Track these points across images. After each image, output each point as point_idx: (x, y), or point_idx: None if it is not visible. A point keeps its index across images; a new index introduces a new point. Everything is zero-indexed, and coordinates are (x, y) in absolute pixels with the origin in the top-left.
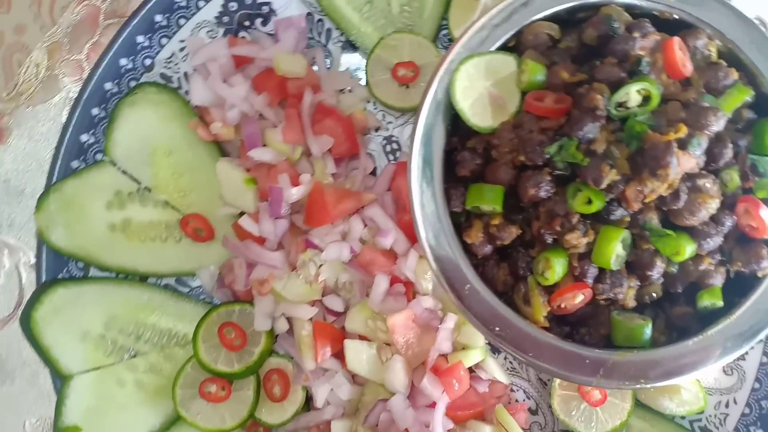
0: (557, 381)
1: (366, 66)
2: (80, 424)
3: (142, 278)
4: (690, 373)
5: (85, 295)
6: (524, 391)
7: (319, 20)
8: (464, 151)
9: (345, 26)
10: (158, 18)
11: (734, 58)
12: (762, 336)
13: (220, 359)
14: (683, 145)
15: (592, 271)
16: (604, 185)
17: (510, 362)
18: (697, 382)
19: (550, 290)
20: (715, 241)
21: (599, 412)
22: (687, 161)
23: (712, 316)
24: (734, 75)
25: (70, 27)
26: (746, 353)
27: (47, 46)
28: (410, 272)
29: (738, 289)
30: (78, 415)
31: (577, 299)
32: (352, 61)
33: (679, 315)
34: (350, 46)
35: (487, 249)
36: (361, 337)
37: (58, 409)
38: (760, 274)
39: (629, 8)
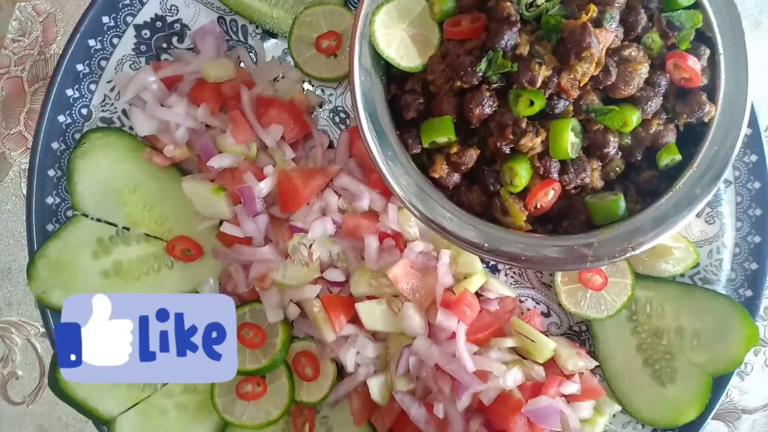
0: (559, 278)
1: (289, 48)
2: None
3: None
4: (671, 228)
5: None
6: (532, 299)
7: (232, 20)
8: (405, 95)
9: (257, 18)
10: (80, 67)
11: None
12: (725, 174)
13: (247, 359)
14: (598, 22)
15: (555, 166)
16: (539, 83)
17: (511, 277)
18: (685, 239)
19: (522, 195)
20: (656, 103)
21: (605, 294)
22: (606, 36)
23: (676, 172)
24: None
25: None
26: (721, 199)
27: None
28: (394, 224)
29: (691, 139)
30: None
31: (549, 196)
32: (275, 48)
33: (646, 180)
34: (269, 34)
35: (455, 178)
36: (369, 297)
37: None
38: (706, 119)
39: None
